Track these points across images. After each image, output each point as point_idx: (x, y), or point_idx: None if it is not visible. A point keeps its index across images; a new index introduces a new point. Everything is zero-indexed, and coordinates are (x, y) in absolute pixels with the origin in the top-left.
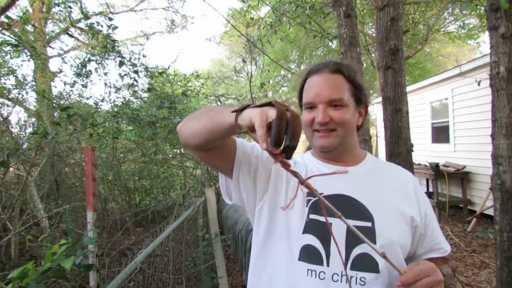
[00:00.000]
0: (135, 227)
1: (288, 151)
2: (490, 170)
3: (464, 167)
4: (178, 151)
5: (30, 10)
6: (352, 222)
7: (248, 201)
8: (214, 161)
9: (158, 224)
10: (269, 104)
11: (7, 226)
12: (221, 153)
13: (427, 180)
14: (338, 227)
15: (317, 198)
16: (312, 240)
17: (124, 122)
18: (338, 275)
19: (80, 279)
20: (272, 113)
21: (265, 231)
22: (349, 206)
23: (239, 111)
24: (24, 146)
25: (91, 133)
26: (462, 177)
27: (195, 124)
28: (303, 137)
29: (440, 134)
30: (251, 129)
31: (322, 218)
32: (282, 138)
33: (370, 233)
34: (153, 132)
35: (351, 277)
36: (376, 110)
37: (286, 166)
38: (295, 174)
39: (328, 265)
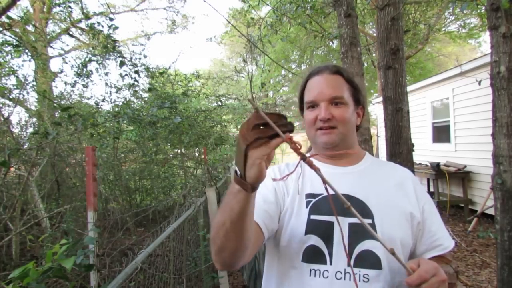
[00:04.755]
0: (135, 227)
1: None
2: (491, 170)
3: (465, 166)
4: (179, 151)
5: (31, 10)
6: (353, 220)
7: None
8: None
9: (158, 224)
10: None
11: (8, 226)
12: (256, 244)
13: (428, 179)
14: (340, 225)
15: (317, 199)
16: (315, 240)
17: (125, 122)
18: (341, 273)
19: (81, 279)
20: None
21: (273, 238)
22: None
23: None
24: (25, 146)
25: (92, 133)
26: (463, 176)
27: (223, 237)
28: (305, 137)
29: (441, 133)
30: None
31: (322, 218)
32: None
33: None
34: (153, 132)
35: (355, 274)
36: (376, 109)
37: (296, 147)
38: (298, 151)
39: (331, 263)
